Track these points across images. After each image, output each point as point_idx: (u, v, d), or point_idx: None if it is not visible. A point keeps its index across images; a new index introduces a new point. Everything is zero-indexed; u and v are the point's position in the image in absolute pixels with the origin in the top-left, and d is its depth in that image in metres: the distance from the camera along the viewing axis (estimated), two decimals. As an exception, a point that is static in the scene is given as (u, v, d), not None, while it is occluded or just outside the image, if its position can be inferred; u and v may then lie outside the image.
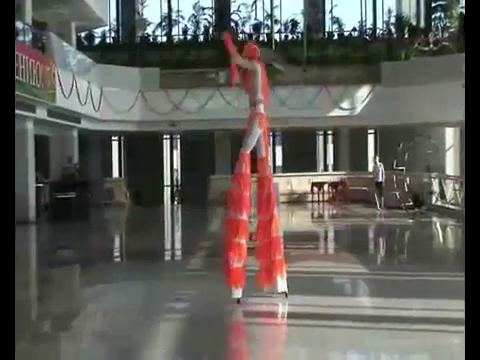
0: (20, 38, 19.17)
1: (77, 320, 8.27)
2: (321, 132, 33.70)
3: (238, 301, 7.87)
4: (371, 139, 33.01)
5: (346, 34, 32.78)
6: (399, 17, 32.17)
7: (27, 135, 20.40)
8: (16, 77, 17.38)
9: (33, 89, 18.85)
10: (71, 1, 24.17)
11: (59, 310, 8.60)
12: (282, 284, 8.18)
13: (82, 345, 7.10)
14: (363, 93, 28.02)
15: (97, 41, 32.19)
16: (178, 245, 17.30)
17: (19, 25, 19.24)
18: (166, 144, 33.38)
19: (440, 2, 31.73)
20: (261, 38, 32.39)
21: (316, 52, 29.92)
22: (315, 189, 28.60)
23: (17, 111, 18.33)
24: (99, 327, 7.92)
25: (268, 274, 8.18)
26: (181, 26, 32.85)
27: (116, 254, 15.61)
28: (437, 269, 11.05)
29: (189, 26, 32.64)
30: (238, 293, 7.91)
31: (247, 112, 8.42)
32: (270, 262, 8.20)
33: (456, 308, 7.69)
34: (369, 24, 33.06)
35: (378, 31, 33.00)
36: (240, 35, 32.60)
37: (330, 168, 33.41)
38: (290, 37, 32.46)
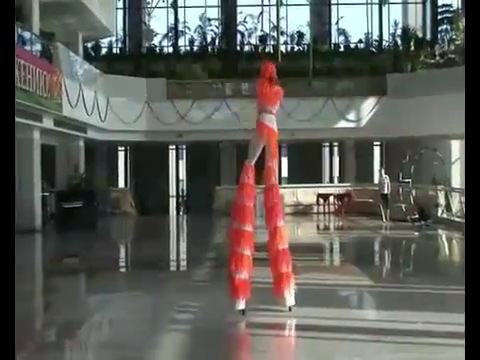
0: (27, 48, 19.25)
1: (82, 329, 8.28)
2: (327, 144, 33.73)
3: (243, 312, 7.87)
4: (377, 151, 33.01)
5: (352, 46, 32.93)
6: (405, 29, 32.27)
7: (33, 144, 20.48)
8: (24, 87, 17.47)
9: (40, 99, 18.92)
10: (78, 12, 24.28)
11: (64, 319, 8.62)
12: (289, 298, 8.15)
13: (87, 354, 7.12)
14: (369, 105, 28.03)
15: (104, 51, 32.39)
16: (183, 255, 17.29)
17: (27, 35, 19.34)
18: (172, 154, 33.43)
19: (446, 15, 31.84)
20: (267, 49, 32.52)
21: (322, 64, 30.00)
22: (321, 201, 28.57)
23: (24, 120, 18.44)
24: (104, 337, 7.93)
25: (277, 286, 8.16)
26: (188, 37, 33.01)
27: (122, 263, 15.63)
28: (443, 282, 11.02)
29: (196, 37, 32.79)
30: (242, 304, 7.89)
31: (252, 123, 8.46)
32: (278, 274, 8.17)
33: (461, 322, 7.67)
34: (375, 36, 33.23)
35: (384, 43, 33.13)
36: (246, 46, 32.76)
37: (336, 180, 33.41)
38: (296, 49, 32.58)
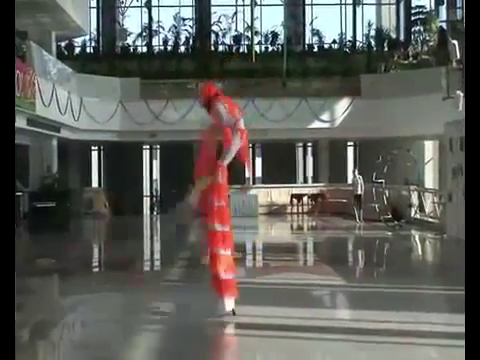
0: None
1: (54, 330, 8.23)
2: (301, 144, 33.82)
3: (233, 313, 7.88)
4: (351, 151, 33.14)
5: (326, 46, 33.02)
6: (379, 30, 32.48)
7: (6, 144, 20.27)
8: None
9: (13, 98, 18.75)
10: (52, 10, 24.07)
11: (36, 320, 8.56)
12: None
13: (60, 355, 7.08)
14: (343, 105, 28.13)
15: (77, 51, 32.17)
16: (157, 255, 17.25)
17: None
18: (146, 154, 33.31)
19: (419, 16, 32.05)
20: (241, 49, 32.54)
21: (296, 64, 30.06)
22: (295, 201, 28.65)
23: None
24: (77, 337, 7.89)
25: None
26: (162, 36, 32.92)
27: (95, 264, 15.56)
28: (416, 282, 11.10)
29: (169, 37, 32.71)
30: (231, 304, 7.89)
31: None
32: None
33: (434, 321, 7.77)
34: (349, 37, 33.36)
35: (358, 44, 33.28)
36: (220, 46, 32.76)
37: (310, 180, 33.49)
38: (270, 49, 32.62)
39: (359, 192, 23.77)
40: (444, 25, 30.52)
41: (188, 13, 33.45)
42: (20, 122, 20.53)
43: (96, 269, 14.67)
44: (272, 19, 32.83)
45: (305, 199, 28.69)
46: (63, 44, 30.70)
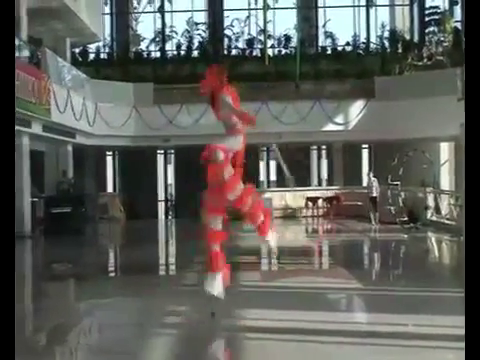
0: (16, 54, 19.20)
1: (71, 335, 8.25)
2: (315, 147, 33.74)
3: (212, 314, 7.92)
4: (365, 154, 33.06)
5: (339, 49, 32.93)
6: (393, 31, 32.36)
7: (22, 150, 20.40)
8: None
9: (28, 105, 18.87)
10: (66, 17, 24.26)
11: (53, 324, 8.59)
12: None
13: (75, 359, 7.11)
14: (357, 108, 28.08)
15: (91, 57, 32.30)
16: (172, 259, 17.27)
17: (15, 41, 19.29)
18: (160, 159, 33.37)
19: (434, 16, 31.93)
20: (254, 53, 32.54)
21: (309, 67, 30.03)
22: (309, 204, 28.59)
23: (12, 126, 18.37)
24: (93, 342, 7.90)
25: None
26: (175, 41, 32.97)
27: (111, 268, 15.59)
28: (432, 285, 11.04)
29: (183, 41, 32.75)
30: (219, 285, 7.92)
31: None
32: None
33: (451, 324, 7.71)
34: (362, 39, 33.24)
35: (372, 46, 33.16)
36: (233, 50, 32.77)
37: (324, 183, 33.43)
38: (283, 52, 32.58)
39: (374, 194, 23.68)
40: (459, 25, 30.39)
41: (201, 18, 33.54)
42: (36, 128, 20.69)
43: (112, 274, 14.69)
44: (285, 22, 32.82)
45: (320, 202, 28.61)
46: (77, 50, 30.88)
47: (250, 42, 32.76)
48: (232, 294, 9.52)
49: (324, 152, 34.07)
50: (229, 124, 8.13)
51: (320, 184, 33.30)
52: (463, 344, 6.60)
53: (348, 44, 32.90)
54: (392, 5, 34.53)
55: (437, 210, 23.15)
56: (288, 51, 32.40)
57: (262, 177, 32.72)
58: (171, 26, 33.22)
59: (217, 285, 7.87)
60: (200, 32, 33.09)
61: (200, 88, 8.24)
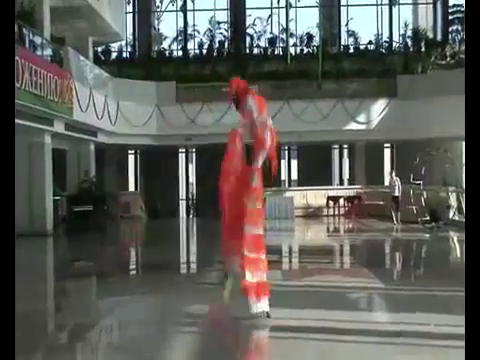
0: (38, 52, 19.35)
1: (92, 332, 8.28)
2: (337, 146, 33.68)
3: (268, 315, 7.82)
4: (387, 153, 32.90)
5: (362, 47, 32.80)
6: (416, 30, 32.15)
7: (45, 148, 20.55)
8: (35, 91, 17.54)
9: (51, 103, 18.99)
10: (89, 16, 24.38)
11: (75, 322, 8.63)
12: (258, 306, 7.86)
13: (98, 357, 7.12)
14: (379, 107, 27.96)
15: (114, 56, 32.42)
16: (193, 258, 17.30)
17: (38, 40, 19.45)
18: (182, 158, 33.45)
19: (457, 15, 31.72)
20: (276, 52, 32.51)
21: (332, 65, 29.94)
22: (331, 203, 28.53)
23: (35, 125, 18.55)
24: (115, 340, 7.93)
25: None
26: (197, 40, 33.04)
27: (132, 266, 15.64)
28: (455, 284, 10.94)
29: (205, 40, 32.81)
30: (262, 306, 7.79)
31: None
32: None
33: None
34: (385, 37, 33.10)
35: (394, 44, 33.00)
36: (255, 49, 32.76)
37: (346, 182, 33.37)
38: (305, 51, 32.52)
39: (396, 194, 23.59)
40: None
41: (223, 16, 33.56)
42: (58, 127, 20.82)
43: (133, 272, 14.75)
44: (307, 21, 32.79)
45: (341, 201, 28.56)
46: (100, 49, 31.01)
47: (272, 41, 32.73)
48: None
49: (346, 151, 34.00)
50: (256, 125, 8.12)
51: (342, 183, 33.23)
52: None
53: (371, 43, 32.76)
54: (415, 3, 34.34)
55: (459, 209, 23.01)
56: (310, 50, 32.34)
57: (283, 176, 32.68)
58: (193, 25, 33.30)
59: (256, 306, 7.77)
60: (222, 31, 33.13)
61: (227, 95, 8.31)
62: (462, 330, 7.37)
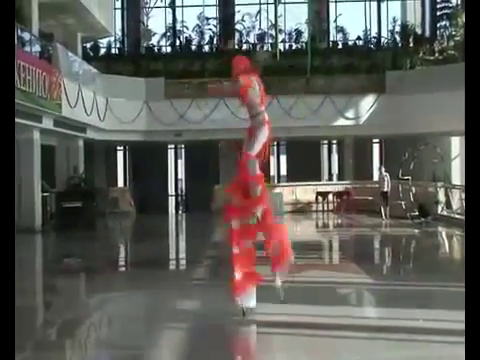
0: (27, 49, 19.27)
1: (81, 329, 8.29)
2: (325, 141, 33.73)
3: (243, 313, 7.82)
4: (376, 148, 33.02)
5: (350, 43, 32.88)
6: (404, 26, 32.24)
7: (33, 145, 20.49)
8: (23, 87, 17.49)
9: (39, 99, 18.93)
10: (77, 12, 24.31)
11: (64, 318, 8.63)
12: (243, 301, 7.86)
13: (87, 353, 7.13)
14: (368, 102, 28.02)
15: (102, 51, 32.34)
16: (183, 254, 17.30)
17: (26, 36, 19.37)
18: (171, 154, 33.42)
19: (445, 11, 31.80)
20: (265, 48, 32.49)
21: (320, 61, 29.98)
22: (320, 199, 28.59)
23: (24, 121, 18.47)
24: (103, 336, 7.94)
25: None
26: (186, 36, 32.98)
27: (121, 263, 15.65)
28: (443, 279, 11.01)
29: (194, 36, 32.78)
30: (245, 302, 7.80)
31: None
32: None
33: (462, 319, 7.69)
34: (374, 33, 33.17)
35: (383, 40, 33.07)
36: (244, 45, 32.75)
37: (335, 178, 33.43)
38: (294, 46, 32.56)
39: (385, 189, 23.68)
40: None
41: (212, 12, 33.49)
42: (47, 123, 20.75)
43: (122, 268, 14.75)
44: (296, 17, 32.73)
45: (330, 197, 28.61)
46: (88, 45, 30.92)
47: (261, 37, 32.75)
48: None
49: (335, 147, 34.08)
50: (254, 111, 8.10)
51: (330, 179, 33.30)
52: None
53: (359, 38, 32.83)
54: (403, -1, 34.41)
55: (448, 205, 23.13)
56: (299, 46, 32.39)
57: (272, 171, 32.71)
58: (182, 21, 33.23)
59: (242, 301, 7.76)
60: (211, 27, 33.10)
61: (233, 68, 8.19)
62: (450, 325, 7.48)
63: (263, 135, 8.04)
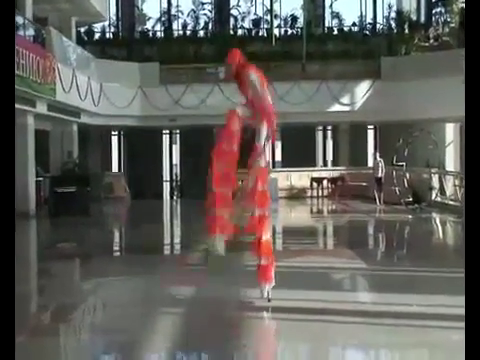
0: (21, 33, 19.17)
1: (75, 314, 8.29)
2: (321, 127, 33.74)
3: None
4: (371, 134, 33.04)
5: (346, 29, 32.81)
6: (399, 12, 32.15)
7: (27, 129, 20.41)
8: (17, 72, 17.40)
9: (33, 84, 18.84)
10: (71, -4, 24.20)
11: (58, 303, 8.63)
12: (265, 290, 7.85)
13: (82, 338, 7.14)
14: (363, 88, 27.99)
15: (97, 36, 32.19)
16: (177, 239, 17.32)
17: (20, 20, 19.27)
18: (166, 139, 33.38)
19: (440, -3, 31.71)
20: (261, 33, 32.41)
21: (316, 47, 29.92)
22: (314, 185, 28.59)
23: (18, 106, 18.36)
24: (99, 321, 7.95)
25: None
26: (180, 21, 32.85)
27: (115, 248, 15.65)
28: (436, 265, 11.06)
29: (188, 21, 32.64)
30: (221, 244, 7.67)
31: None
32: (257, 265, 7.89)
33: (455, 304, 7.73)
34: (369, 19, 33.13)
35: (378, 26, 33.01)
36: (240, 30, 32.65)
37: (329, 164, 33.45)
38: (290, 32, 32.46)
39: (380, 175, 23.69)
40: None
41: (207, -3, 33.35)
42: (41, 108, 20.68)
43: (117, 253, 14.76)
44: (291, 2, 32.63)
45: (325, 183, 28.62)
46: (83, 30, 30.78)
47: (256, 22, 32.61)
48: (235, 274, 9.58)
49: (330, 133, 34.09)
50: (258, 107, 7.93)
51: (325, 165, 33.32)
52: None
53: (354, 24, 32.79)
54: (399, -15, 34.29)
55: (442, 191, 23.18)
56: (294, 31, 32.28)
57: (267, 157, 32.66)
58: (177, 6, 33.05)
59: (221, 245, 7.64)
60: (206, 12, 32.94)
61: (225, 70, 8.07)
62: (443, 310, 7.51)
63: (273, 119, 7.93)
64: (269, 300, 7.75)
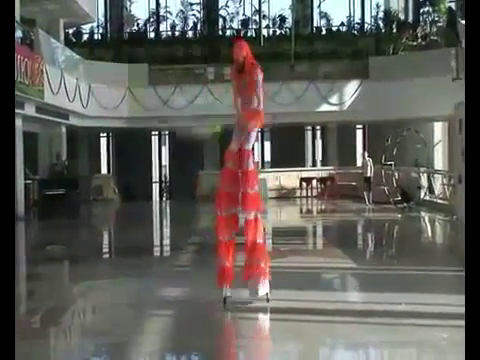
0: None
1: (65, 316, 8.27)
2: (309, 127, 33.78)
3: (224, 301, 7.75)
4: (360, 134, 33.12)
5: (334, 29, 32.90)
6: (387, 12, 32.28)
7: (15, 132, 20.31)
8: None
9: (21, 86, 18.78)
10: (59, -3, 24.11)
11: (47, 306, 8.61)
12: (263, 290, 7.79)
13: (71, 341, 7.12)
14: (351, 88, 28.06)
15: (85, 37, 32.17)
16: (167, 241, 17.29)
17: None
18: (154, 140, 33.36)
19: (428, -4, 31.80)
20: (249, 34, 32.44)
21: (304, 47, 29.97)
22: (304, 184, 28.63)
23: (5, 107, 18.28)
24: (88, 323, 7.93)
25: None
26: (169, 22, 32.85)
27: (105, 250, 15.61)
28: (425, 264, 11.09)
29: (177, 22, 32.65)
30: (227, 292, 7.77)
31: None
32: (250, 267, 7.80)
33: (444, 302, 7.77)
34: (357, 19, 33.21)
35: (366, 26, 33.13)
36: (228, 31, 32.67)
37: (319, 163, 33.49)
38: (278, 32, 32.52)
39: (368, 175, 23.73)
40: (453, 5, 30.26)
41: (195, -2, 33.35)
42: (29, 110, 20.60)
43: (106, 255, 14.72)
44: (280, 2, 32.70)
45: (314, 182, 28.67)
46: (71, 31, 30.74)
47: (245, 22, 32.68)
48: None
49: (318, 132, 34.14)
50: (251, 104, 7.84)
51: (314, 164, 33.37)
52: (456, 322, 6.69)
53: (343, 24, 32.89)
54: (387, -15, 34.38)
55: (430, 190, 23.28)
56: (283, 32, 32.36)
57: (256, 158, 32.73)
58: (166, 6, 33.06)
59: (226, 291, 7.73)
60: (195, 13, 32.97)
61: (235, 53, 7.99)
62: (432, 308, 7.53)
63: (254, 126, 7.87)
64: (268, 300, 7.75)
